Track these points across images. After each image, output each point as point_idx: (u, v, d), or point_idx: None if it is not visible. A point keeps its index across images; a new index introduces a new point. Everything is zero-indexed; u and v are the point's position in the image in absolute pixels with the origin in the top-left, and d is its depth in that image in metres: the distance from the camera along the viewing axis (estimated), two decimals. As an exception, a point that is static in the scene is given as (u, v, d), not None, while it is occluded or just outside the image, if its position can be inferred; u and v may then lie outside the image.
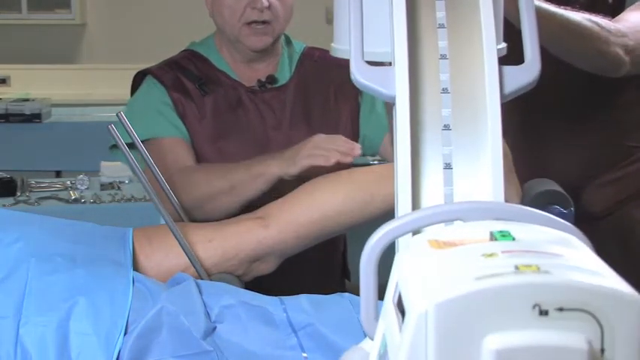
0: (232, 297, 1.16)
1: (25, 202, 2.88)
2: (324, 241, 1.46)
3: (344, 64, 0.73)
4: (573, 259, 0.51)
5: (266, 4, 1.68)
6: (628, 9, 1.71)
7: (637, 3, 1.72)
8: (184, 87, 1.73)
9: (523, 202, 1.31)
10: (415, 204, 0.68)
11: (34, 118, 4.42)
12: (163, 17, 5.50)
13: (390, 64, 0.71)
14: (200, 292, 1.16)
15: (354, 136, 1.77)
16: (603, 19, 1.56)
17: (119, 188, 3.04)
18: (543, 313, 0.47)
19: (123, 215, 2.74)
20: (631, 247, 1.83)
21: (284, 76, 1.79)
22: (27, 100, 4.63)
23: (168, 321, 1.08)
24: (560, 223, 0.59)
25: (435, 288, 0.48)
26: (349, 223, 1.41)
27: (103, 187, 3.05)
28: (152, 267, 1.32)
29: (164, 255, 1.34)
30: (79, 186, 3.03)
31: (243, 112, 1.74)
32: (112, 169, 3.09)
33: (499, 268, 0.49)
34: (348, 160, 1.43)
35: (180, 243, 1.32)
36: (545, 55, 1.64)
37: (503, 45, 0.78)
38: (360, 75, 0.71)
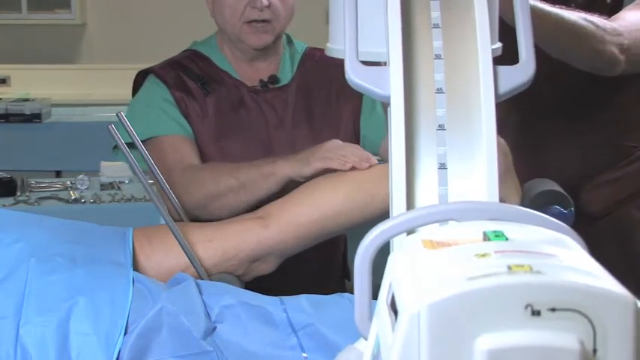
0: (232, 297, 1.17)
1: (25, 202, 2.88)
2: (324, 241, 1.46)
3: None
4: (567, 260, 0.51)
5: (266, 3, 1.68)
6: (625, 8, 1.71)
7: (634, 2, 1.72)
8: (186, 86, 1.73)
9: (523, 202, 1.31)
10: (410, 204, 0.68)
11: (34, 118, 4.42)
12: (163, 17, 5.50)
13: (384, 64, 0.71)
14: (200, 292, 1.17)
15: (355, 136, 1.77)
16: (599, 18, 1.57)
17: (119, 188, 3.04)
18: (536, 313, 0.47)
19: (123, 215, 2.74)
20: (630, 247, 1.83)
21: (286, 75, 1.80)
22: (27, 100, 4.63)
23: (168, 321, 1.08)
24: (555, 223, 0.59)
25: (428, 288, 0.48)
26: (349, 223, 1.41)
27: (103, 187, 3.05)
28: (152, 267, 1.32)
29: (164, 255, 1.34)
30: (79, 186, 3.03)
31: (246, 111, 1.74)
32: (112, 169, 3.09)
33: (492, 269, 0.49)
34: (364, 166, 1.42)
35: (180, 243, 1.32)
36: (545, 55, 1.65)
37: (499, 45, 0.78)
38: (355, 75, 0.71)
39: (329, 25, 0.84)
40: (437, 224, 0.61)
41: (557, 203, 1.31)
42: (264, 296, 1.20)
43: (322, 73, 1.77)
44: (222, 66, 1.78)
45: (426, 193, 0.69)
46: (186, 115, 1.71)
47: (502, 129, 1.85)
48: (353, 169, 1.42)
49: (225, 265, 1.38)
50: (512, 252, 0.51)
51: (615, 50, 1.56)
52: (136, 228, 1.36)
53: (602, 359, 0.47)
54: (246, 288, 1.32)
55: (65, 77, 5.45)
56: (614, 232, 1.83)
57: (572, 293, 0.47)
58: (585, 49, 1.53)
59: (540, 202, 1.30)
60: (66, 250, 1.21)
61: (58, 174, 4.12)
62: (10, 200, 2.88)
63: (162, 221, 1.37)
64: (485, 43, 0.70)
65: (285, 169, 1.50)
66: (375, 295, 0.60)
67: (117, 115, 1.49)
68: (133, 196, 2.93)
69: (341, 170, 1.43)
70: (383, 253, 0.61)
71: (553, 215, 1.33)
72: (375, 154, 1.76)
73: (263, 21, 1.70)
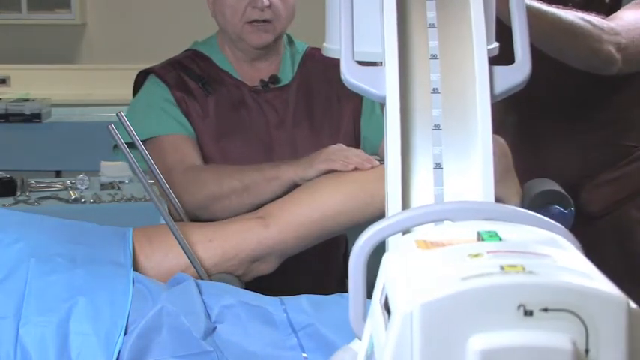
0: (232, 297, 1.16)
1: (25, 202, 2.88)
2: (325, 241, 1.46)
3: None
4: (560, 260, 0.51)
5: (266, 3, 1.68)
6: (623, 8, 1.71)
7: (632, 2, 1.72)
8: (187, 86, 1.73)
9: (523, 202, 1.31)
10: (405, 204, 0.68)
11: (34, 118, 4.43)
12: (163, 17, 5.50)
13: (380, 64, 0.71)
14: (200, 292, 1.17)
15: (356, 137, 1.77)
16: (596, 17, 1.57)
17: (119, 188, 3.04)
18: (528, 313, 0.47)
19: (123, 215, 2.74)
20: (629, 246, 1.83)
21: (286, 75, 1.80)
22: (27, 100, 4.63)
23: (168, 321, 1.08)
24: (549, 223, 0.59)
25: (421, 288, 0.49)
26: (349, 223, 1.41)
27: (103, 187, 3.05)
28: (152, 267, 1.32)
29: (164, 255, 1.34)
30: (79, 186, 3.03)
31: (246, 111, 1.74)
32: (112, 169, 3.09)
33: (484, 269, 0.49)
34: (366, 167, 1.43)
35: (180, 243, 1.32)
36: (544, 56, 1.65)
37: (495, 45, 0.78)
38: (351, 75, 0.71)
39: (326, 25, 0.84)
40: (432, 224, 0.61)
41: (557, 203, 1.31)
42: (264, 296, 1.20)
43: (323, 73, 1.78)
44: (222, 66, 1.78)
45: (422, 193, 0.69)
46: (187, 115, 1.71)
47: (502, 129, 1.87)
48: (355, 170, 1.43)
49: (225, 265, 1.38)
50: (505, 252, 0.51)
51: (612, 49, 1.57)
52: (136, 228, 1.36)
53: (595, 359, 0.47)
54: (246, 288, 1.32)
55: (65, 77, 5.45)
56: (613, 232, 1.83)
57: (565, 293, 0.47)
58: (582, 48, 1.54)
59: (540, 202, 1.30)
60: (66, 250, 1.21)
61: (58, 174, 4.12)
62: (10, 200, 2.88)
63: (162, 221, 1.37)
64: (480, 43, 0.70)
65: (289, 173, 1.50)
66: (370, 295, 0.60)
67: (117, 115, 1.49)
68: (133, 196, 2.93)
69: (343, 171, 1.43)
70: (381, 252, 0.61)
71: (553, 215, 1.34)
72: (375, 155, 1.76)
73: (264, 21, 1.71)
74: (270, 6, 1.69)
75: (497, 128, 1.89)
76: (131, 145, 1.46)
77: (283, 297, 1.19)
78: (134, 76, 1.83)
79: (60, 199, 2.92)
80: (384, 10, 0.70)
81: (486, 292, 0.47)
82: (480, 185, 0.68)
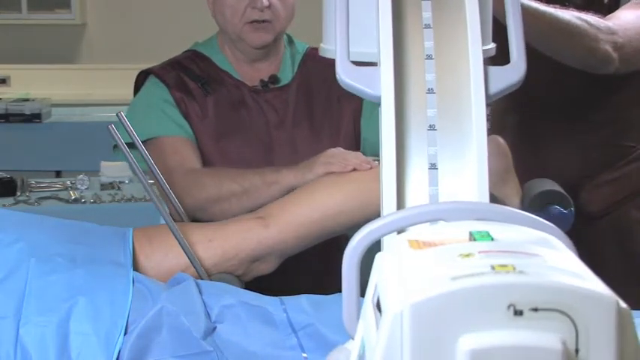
0: (232, 297, 1.16)
1: (25, 202, 2.88)
2: (325, 241, 1.46)
3: None
4: (551, 260, 0.51)
5: (266, 3, 1.68)
6: (621, 7, 1.72)
7: (630, 2, 1.73)
8: (187, 86, 1.73)
9: (523, 202, 1.31)
10: (400, 204, 0.68)
11: (34, 118, 4.43)
12: (163, 17, 5.50)
13: (376, 64, 0.71)
14: (200, 292, 1.17)
15: (356, 137, 1.77)
16: (593, 17, 1.58)
17: (119, 188, 3.04)
18: (518, 313, 0.47)
19: (123, 215, 2.74)
20: (629, 246, 1.83)
21: (286, 75, 1.80)
22: (27, 100, 4.63)
23: (168, 321, 1.08)
24: (543, 223, 0.59)
25: (411, 288, 0.49)
26: (349, 223, 1.41)
27: (103, 187, 3.05)
28: (152, 267, 1.32)
29: (164, 255, 1.34)
30: (79, 186, 3.03)
31: (246, 111, 1.74)
32: (112, 169, 3.09)
33: (475, 269, 0.49)
34: (365, 168, 1.44)
35: (180, 243, 1.32)
36: (544, 56, 1.65)
37: (492, 45, 0.78)
38: (346, 75, 0.71)
39: (322, 25, 0.84)
40: (427, 224, 0.61)
41: (557, 203, 1.31)
42: (264, 296, 1.20)
43: (323, 74, 1.78)
44: (222, 66, 1.78)
45: (417, 193, 0.69)
46: (186, 116, 1.71)
47: (502, 129, 1.86)
48: (354, 170, 1.44)
49: (225, 265, 1.38)
50: (496, 252, 0.51)
51: (609, 48, 1.57)
52: (136, 228, 1.36)
53: (584, 359, 0.47)
54: (246, 288, 1.32)
55: (65, 77, 5.45)
56: (613, 232, 1.83)
57: (555, 293, 0.47)
58: (579, 47, 1.54)
59: (540, 202, 1.30)
60: (66, 250, 1.21)
61: (58, 174, 4.12)
62: (10, 200, 2.88)
63: (162, 221, 1.37)
64: (476, 44, 0.70)
65: (288, 178, 1.51)
66: (363, 295, 0.60)
67: (117, 115, 1.49)
68: (133, 196, 2.93)
69: (342, 172, 1.44)
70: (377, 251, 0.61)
71: (553, 215, 1.34)
72: (375, 156, 1.76)
73: (263, 21, 1.71)
74: (269, 6, 1.69)
75: (498, 128, 1.91)
76: (131, 145, 1.46)
77: (283, 297, 1.19)
78: (134, 76, 1.83)
79: (60, 199, 2.92)
80: (379, 11, 0.70)
81: (476, 291, 0.47)
82: (475, 185, 0.68)
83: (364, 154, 1.61)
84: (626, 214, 1.83)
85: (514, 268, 0.48)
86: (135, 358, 1.05)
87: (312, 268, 1.65)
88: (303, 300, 1.18)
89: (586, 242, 1.76)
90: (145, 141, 1.58)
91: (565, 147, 1.84)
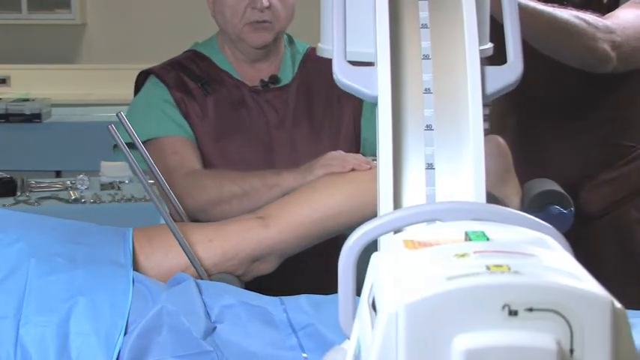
0: (232, 297, 1.16)
1: (25, 202, 2.88)
2: (325, 241, 1.46)
3: None
4: (546, 260, 0.51)
5: (266, 4, 1.68)
6: (620, 7, 1.73)
7: (629, 1, 1.73)
8: (187, 86, 1.74)
9: (523, 202, 1.31)
10: (397, 204, 0.68)
11: (34, 118, 4.43)
12: (163, 17, 5.50)
13: (373, 64, 0.71)
14: (200, 292, 1.16)
15: (356, 137, 1.77)
16: (591, 16, 1.58)
17: (119, 188, 3.04)
18: (513, 313, 0.47)
19: (123, 215, 2.74)
20: (628, 246, 1.83)
21: (287, 75, 1.80)
22: (27, 100, 4.63)
23: (168, 321, 1.08)
24: (539, 223, 0.59)
25: (406, 288, 0.49)
26: (349, 223, 1.41)
27: (103, 187, 3.05)
28: (152, 267, 1.32)
29: (164, 255, 1.34)
30: (79, 186, 3.03)
31: (246, 111, 1.74)
32: (112, 169, 3.09)
33: (470, 269, 0.49)
34: (364, 168, 1.44)
35: (180, 243, 1.32)
36: (543, 56, 1.65)
37: (489, 45, 0.78)
38: (343, 75, 0.71)
39: (320, 25, 0.84)
40: (424, 224, 0.61)
41: (557, 203, 1.31)
42: (264, 296, 1.20)
43: (323, 74, 1.77)
44: (222, 66, 1.78)
45: (414, 193, 0.69)
46: (186, 116, 1.71)
47: (502, 130, 1.86)
48: (353, 170, 1.44)
49: (225, 265, 1.38)
50: (491, 252, 0.51)
51: (607, 47, 1.58)
52: (136, 228, 1.36)
53: (579, 359, 0.47)
54: (246, 288, 1.32)
55: (65, 77, 5.45)
56: (612, 232, 1.83)
57: (550, 293, 0.47)
58: (577, 46, 1.55)
59: (540, 202, 1.30)
60: (66, 250, 1.21)
61: (58, 174, 4.12)
62: (10, 200, 2.89)
63: (163, 221, 1.36)
64: (473, 44, 0.70)
65: (289, 180, 1.51)
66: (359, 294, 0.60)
67: (117, 115, 1.49)
68: (133, 196, 2.94)
69: (342, 172, 1.45)
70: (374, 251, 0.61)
71: (553, 215, 1.33)
72: (375, 155, 1.76)
73: (264, 22, 1.71)
74: (269, 7, 1.69)
75: (498, 128, 1.90)
76: (131, 145, 1.46)
77: (283, 297, 1.19)
78: (134, 76, 1.83)
79: (60, 199, 2.92)
80: (376, 11, 0.70)
81: (471, 292, 0.47)
82: (472, 185, 0.68)
83: (364, 154, 1.61)
84: (626, 214, 1.83)
85: (509, 269, 0.48)
86: (135, 358, 1.05)
87: (312, 268, 1.64)
88: (303, 300, 1.18)
89: (585, 242, 1.77)
90: (145, 141, 1.58)
91: (564, 147, 1.84)
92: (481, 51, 0.71)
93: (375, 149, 1.88)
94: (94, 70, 5.51)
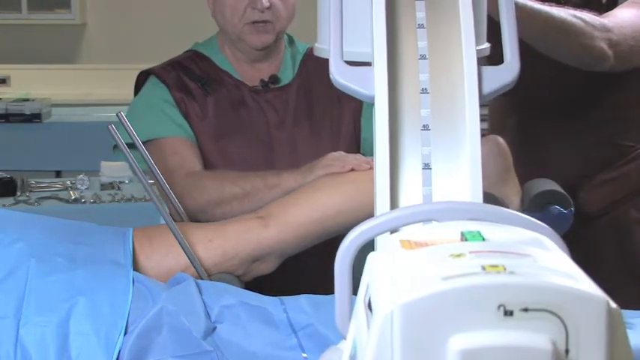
0: (232, 297, 1.16)
1: (25, 202, 2.88)
2: (325, 241, 1.46)
3: None
4: (542, 260, 0.51)
5: (266, 4, 1.68)
6: (618, 6, 1.73)
7: (627, 1, 1.74)
8: (187, 87, 1.74)
9: (523, 202, 1.31)
10: (394, 204, 0.68)
11: (34, 118, 4.43)
12: (163, 17, 5.50)
13: (369, 64, 0.71)
14: (200, 292, 1.17)
15: (356, 137, 1.77)
16: (589, 15, 1.59)
17: (119, 188, 3.04)
18: (508, 313, 0.47)
19: (123, 215, 2.74)
20: (627, 246, 1.83)
21: (287, 76, 1.80)
22: (27, 100, 4.63)
23: (168, 321, 1.08)
24: (535, 223, 0.59)
25: (402, 288, 0.48)
26: (349, 223, 1.41)
27: (103, 187, 3.05)
28: (152, 267, 1.32)
29: (164, 255, 1.34)
30: (79, 186, 3.03)
31: (246, 111, 1.74)
32: (112, 169, 3.09)
33: (466, 269, 0.49)
34: (364, 167, 1.45)
35: (180, 243, 1.32)
36: (543, 56, 1.65)
37: (487, 45, 0.78)
38: (339, 75, 0.71)
39: (317, 25, 0.84)
40: (420, 224, 0.61)
41: (557, 203, 1.31)
42: (264, 296, 1.20)
43: (323, 74, 1.76)
44: (222, 66, 1.78)
45: (410, 193, 0.69)
46: (186, 116, 1.71)
47: (502, 130, 1.86)
48: (352, 170, 1.44)
49: (225, 265, 1.38)
50: (487, 252, 0.51)
51: (604, 46, 1.58)
52: (136, 228, 1.36)
53: (575, 359, 0.47)
54: (246, 288, 1.32)
55: (65, 77, 5.45)
56: (612, 232, 1.83)
57: (545, 293, 0.47)
58: (574, 45, 1.55)
59: (540, 202, 1.30)
60: (66, 250, 1.21)
61: (58, 174, 4.12)
62: (10, 200, 2.89)
63: (163, 221, 1.37)
64: (469, 44, 0.70)
65: (290, 181, 1.52)
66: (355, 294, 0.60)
67: (117, 115, 1.49)
68: (133, 196, 2.94)
69: (341, 172, 1.45)
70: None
71: (553, 215, 1.33)
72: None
73: (264, 22, 1.71)
74: (270, 7, 1.69)
75: (497, 128, 1.90)
76: (131, 146, 1.46)
77: (283, 297, 1.19)
78: (134, 76, 1.83)
79: (60, 199, 2.92)
80: (373, 10, 0.70)
81: (467, 292, 0.47)
82: (468, 185, 0.68)
83: (364, 154, 1.61)
84: (625, 214, 1.83)
85: (504, 269, 0.48)
86: (135, 358, 1.05)
87: (312, 268, 1.64)
88: (303, 300, 1.18)
89: (585, 242, 1.77)
90: (145, 141, 1.58)
91: (564, 147, 1.84)
92: (478, 51, 0.71)
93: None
94: (94, 70, 5.51)
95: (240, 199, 1.55)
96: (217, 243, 1.38)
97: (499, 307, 0.47)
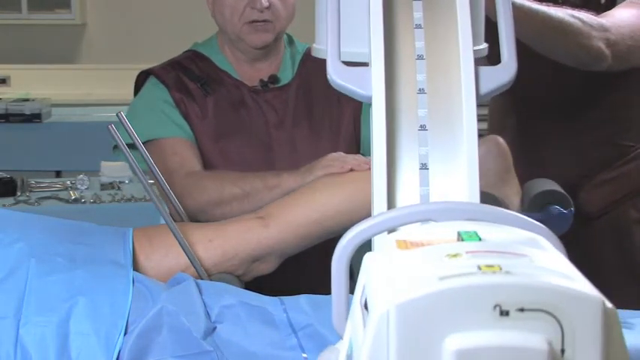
0: (232, 297, 1.16)
1: (25, 202, 2.88)
2: (325, 241, 1.46)
3: None
4: (538, 260, 0.51)
5: (266, 4, 1.68)
6: (616, 6, 1.73)
7: (626, 1, 1.74)
8: (186, 87, 1.74)
9: (523, 202, 1.31)
10: (391, 204, 0.68)
11: (34, 118, 4.43)
12: (163, 17, 5.50)
13: (367, 64, 0.71)
14: (200, 292, 1.17)
15: (356, 137, 1.77)
16: (586, 14, 1.59)
17: (119, 188, 3.04)
18: (504, 313, 0.47)
19: (123, 215, 2.74)
20: (627, 246, 1.83)
21: (286, 75, 1.80)
22: (27, 100, 4.63)
23: (168, 321, 1.08)
24: (532, 224, 0.59)
25: (397, 288, 0.48)
26: (349, 223, 1.40)
27: (103, 187, 3.05)
28: (152, 267, 1.32)
29: (164, 255, 1.34)
30: (79, 186, 3.03)
31: (246, 111, 1.74)
32: (112, 169, 3.09)
33: (462, 269, 0.49)
34: (363, 168, 1.45)
35: (180, 243, 1.32)
36: (542, 56, 1.65)
37: (484, 45, 0.78)
38: (337, 75, 0.71)
39: (315, 25, 0.84)
40: (418, 224, 0.61)
41: (557, 203, 1.31)
42: (264, 296, 1.20)
43: (323, 73, 1.77)
44: (222, 66, 1.78)
45: (408, 194, 0.69)
46: (185, 117, 1.71)
47: (502, 130, 1.86)
48: (352, 170, 1.44)
49: (225, 265, 1.38)
50: (483, 252, 0.51)
51: (602, 45, 1.58)
52: (136, 228, 1.36)
53: (570, 359, 0.47)
54: (246, 288, 1.32)
55: (65, 77, 5.45)
56: (611, 232, 1.83)
57: (541, 293, 0.47)
58: (572, 45, 1.55)
59: (540, 202, 1.30)
60: (66, 250, 1.21)
61: (58, 174, 4.12)
62: (10, 200, 2.89)
63: (163, 221, 1.37)
64: (466, 44, 0.70)
65: (289, 182, 1.52)
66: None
67: (117, 115, 1.49)
68: (133, 196, 2.94)
69: (341, 172, 1.45)
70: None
71: (553, 215, 1.33)
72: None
73: (263, 21, 1.71)
74: (269, 7, 1.69)
75: (497, 129, 1.90)
76: (131, 146, 1.46)
77: (283, 297, 1.19)
78: (134, 76, 1.83)
79: (60, 199, 2.92)
80: (370, 11, 0.70)
81: (463, 292, 0.47)
82: (465, 185, 0.68)
83: (364, 154, 1.61)
84: (625, 214, 1.83)
85: (500, 269, 0.48)
86: (135, 358, 1.05)
87: (312, 268, 1.64)
88: (303, 300, 1.18)
89: (584, 242, 1.77)
90: (144, 142, 1.58)
91: (564, 147, 1.84)
92: (476, 51, 0.71)
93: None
94: (94, 70, 5.50)
95: (240, 199, 1.55)
96: (217, 243, 1.38)
97: (495, 307, 0.47)
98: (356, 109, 1.78)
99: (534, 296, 0.47)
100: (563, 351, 0.47)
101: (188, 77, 1.75)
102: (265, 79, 1.78)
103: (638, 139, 1.85)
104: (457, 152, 0.69)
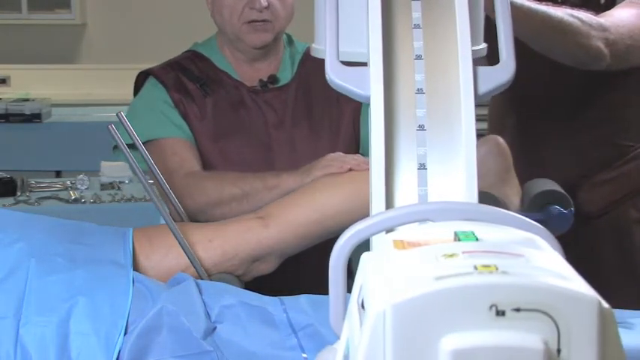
0: (232, 297, 1.17)
1: (25, 202, 2.88)
2: (325, 241, 1.47)
3: None
4: (535, 260, 0.51)
5: (265, 4, 1.68)
6: (616, 6, 1.73)
7: (625, 1, 1.74)
8: (186, 87, 1.73)
9: (523, 202, 1.31)
10: (389, 204, 0.68)
11: (34, 118, 4.42)
12: (163, 17, 5.50)
13: (365, 64, 0.71)
14: (200, 292, 1.17)
15: (356, 137, 1.77)
16: (585, 14, 1.59)
17: (119, 188, 3.04)
18: (500, 313, 0.47)
19: (123, 215, 2.74)
20: (626, 246, 1.83)
21: (286, 75, 1.80)
22: (27, 100, 4.63)
23: (168, 321, 1.08)
24: (530, 224, 0.59)
25: (394, 288, 0.48)
26: (349, 223, 1.40)
27: (103, 187, 3.05)
28: (152, 267, 1.32)
29: (164, 255, 1.34)
30: (79, 186, 3.03)
31: (245, 111, 1.74)
32: (112, 169, 3.09)
33: (458, 269, 0.49)
34: (362, 168, 1.45)
35: (180, 243, 1.32)
36: (541, 56, 1.65)
37: (483, 45, 0.78)
38: (335, 75, 0.71)
39: (314, 25, 0.84)
40: (415, 224, 0.61)
41: (557, 203, 1.31)
42: (264, 296, 1.20)
43: (323, 73, 1.77)
44: (221, 67, 1.78)
45: (406, 194, 0.69)
46: (185, 117, 1.71)
47: (502, 130, 1.86)
48: (351, 170, 1.45)
49: (225, 265, 1.38)
50: (480, 252, 0.51)
51: (601, 45, 1.58)
52: (136, 228, 1.36)
53: (566, 359, 0.47)
54: (246, 288, 1.32)
55: (65, 77, 5.45)
56: (611, 232, 1.83)
57: (537, 293, 0.47)
58: (571, 44, 1.55)
59: (540, 202, 1.30)
60: (66, 250, 1.21)
61: (58, 174, 4.11)
62: (10, 200, 2.89)
63: (163, 221, 1.37)
64: (465, 44, 0.70)
65: (289, 182, 1.52)
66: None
67: (117, 115, 1.49)
68: (133, 196, 2.94)
69: (340, 172, 1.45)
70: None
71: (553, 215, 1.33)
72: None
73: (262, 21, 1.71)
74: (268, 7, 1.69)
75: (497, 129, 1.90)
76: (131, 146, 1.46)
77: (283, 297, 1.19)
78: (134, 76, 1.83)
79: (60, 199, 2.92)
80: (369, 11, 0.70)
81: (459, 292, 0.47)
82: (464, 186, 0.68)
83: (364, 154, 1.61)
84: (625, 214, 1.83)
85: (497, 269, 0.48)
86: (135, 358, 1.05)
87: (312, 268, 1.64)
88: (303, 300, 1.19)
89: (584, 242, 1.77)
90: (144, 142, 1.58)
91: (563, 146, 1.84)
92: (475, 51, 0.71)
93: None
94: (94, 70, 5.50)
95: (240, 199, 1.55)
96: (217, 243, 1.38)
97: (491, 307, 0.47)
98: (355, 109, 1.77)
99: (530, 296, 0.47)
100: (559, 351, 0.47)
101: (187, 78, 1.75)
102: (265, 79, 1.78)
103: (638, 139, 1.85)
104: (455, 152, 0.69)
